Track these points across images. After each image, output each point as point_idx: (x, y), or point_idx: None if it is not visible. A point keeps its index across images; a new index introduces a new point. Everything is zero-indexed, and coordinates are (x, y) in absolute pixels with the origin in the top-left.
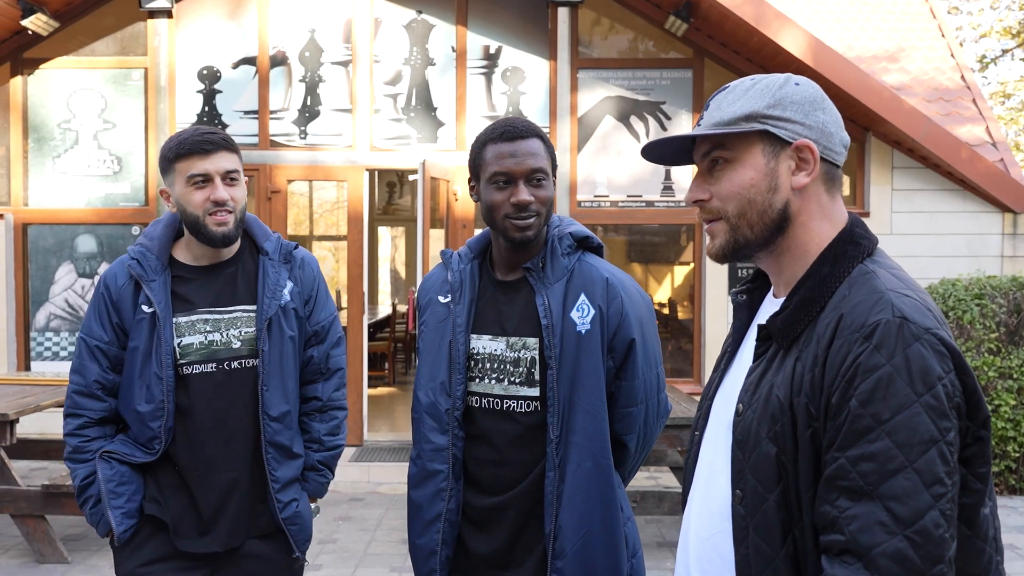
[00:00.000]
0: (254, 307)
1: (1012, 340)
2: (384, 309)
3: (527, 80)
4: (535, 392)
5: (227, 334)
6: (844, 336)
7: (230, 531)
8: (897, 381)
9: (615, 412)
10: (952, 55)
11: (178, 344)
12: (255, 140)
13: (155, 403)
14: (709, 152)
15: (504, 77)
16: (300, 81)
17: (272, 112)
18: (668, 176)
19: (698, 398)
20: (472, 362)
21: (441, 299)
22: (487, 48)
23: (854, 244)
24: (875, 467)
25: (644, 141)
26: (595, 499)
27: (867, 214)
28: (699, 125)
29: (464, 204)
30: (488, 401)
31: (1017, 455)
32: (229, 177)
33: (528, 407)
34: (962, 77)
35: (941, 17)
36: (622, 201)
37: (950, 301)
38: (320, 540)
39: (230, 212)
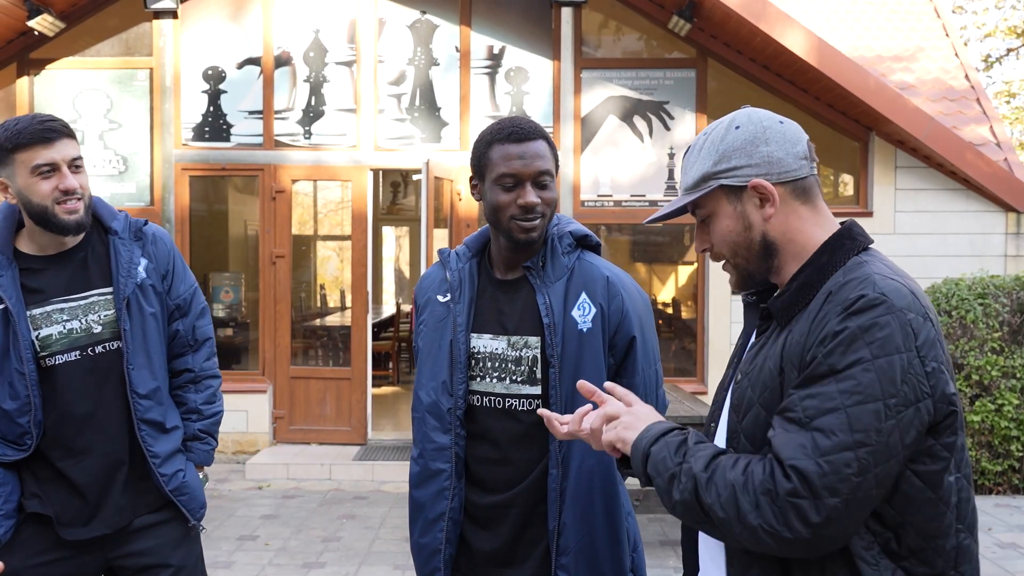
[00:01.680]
0: (110, 289)
1: (1015, 339)
2: (388, 309)
3: (530, 80)
4: (537, 390)
5: (86, 320)
6: (828, 309)
7: (116, 512)
8: (858, 342)
9: None
10: (957, 55)
11: (37, 337)
12: (259, 140)
13: (20, 399)
14: (694, 211)
15: (508, 77)
16: (304, 81)
17: (276, 112)
18: (671, 176)
19: (701, 397)
20: (473, 361)
21: (440, 298)
22: (491, 48)
23: (852, 239)
24: (816, 404)
25: (647, 141)
26: (598, 495)
27: (870, 214)
28: (679, 184)
29: (468, 204)
30: (490, 400)
31: (1021, 454)
32: (74, 164)
33: (530, 405)
34: (967, 77)
35: (946, 16)
36: (625, 201)
37: (953, 300)
38: (324, 539)
39: (80, 199)
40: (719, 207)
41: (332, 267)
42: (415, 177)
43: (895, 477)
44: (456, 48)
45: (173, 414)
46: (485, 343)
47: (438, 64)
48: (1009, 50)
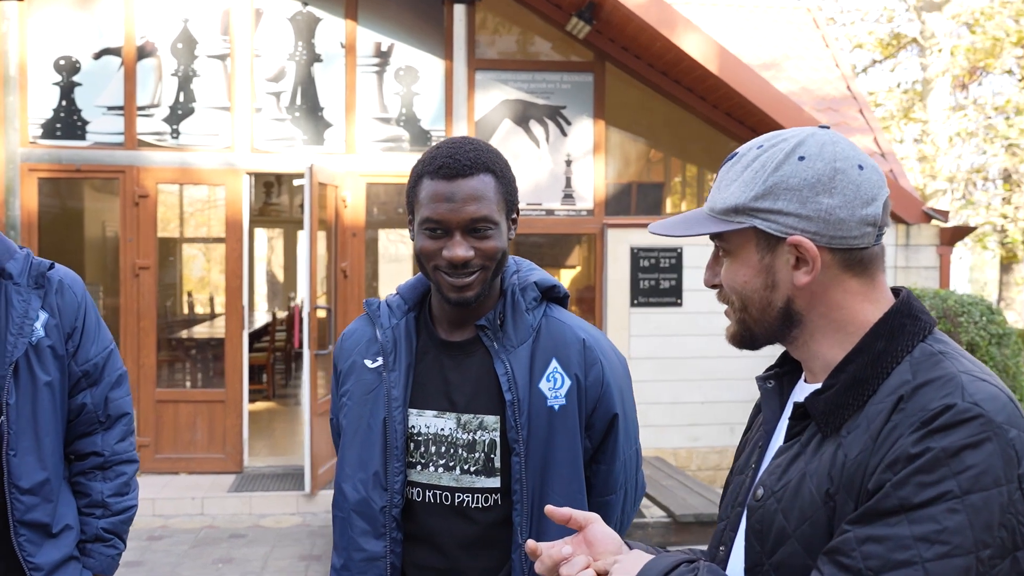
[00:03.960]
0: None
1: None
2: (260, 316)
3: (421, 80)
4: (495, 483)
5: None
6: (898, 420)
7: None
8: (942, 469)
9: (590, 501)
10: (837, 65)
11: None
12: (120, 139)
13: None
14: (713, 236)
15: (397, 76)
16: (172, 75)
17: (140, 109)
18: (568, 184)
19: None
20: (412, 444)
21: (368, 364)
22: (379, 45)
23: (912, 318)
24: (882, 551)
25: (544, 147)
26: None
27: None
28: (708, 196)
29: (354, 212)
30: (434, 494)
31: None
32: None
33: (486, 501)
34: (848, 87)
35: (824, 28)
36: (521, 210)
37: None
38: None
39: None
40: (743, 251)
41: (198, 268)
42: (296, 182)
43: None
44: (341, 44)
45: (66, 512)
46: (428, 422)
47: (321, 60)
48: (875, 61)
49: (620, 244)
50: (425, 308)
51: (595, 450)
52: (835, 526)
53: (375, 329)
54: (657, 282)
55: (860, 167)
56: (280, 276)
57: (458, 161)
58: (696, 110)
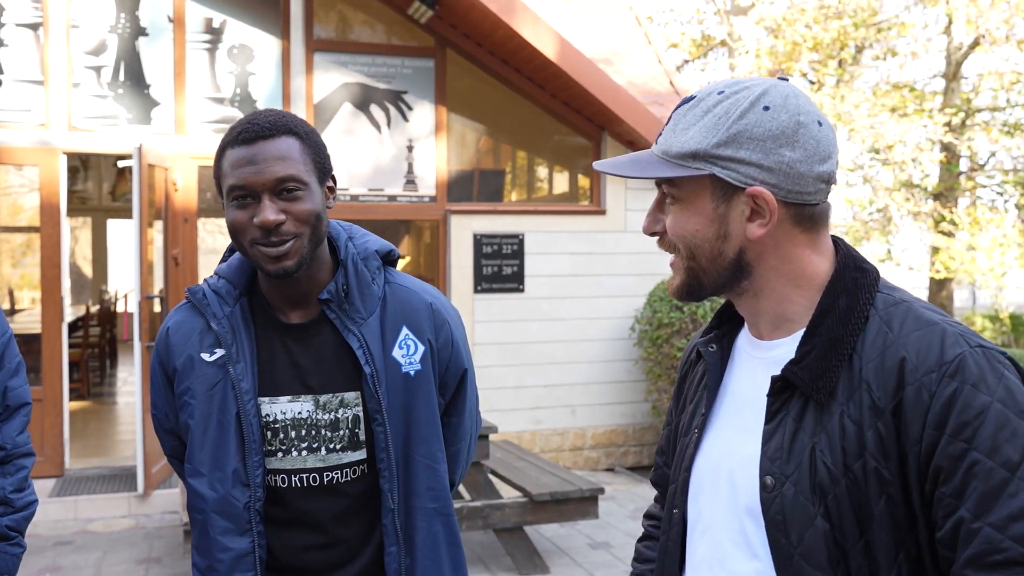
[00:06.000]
0: None
1: None
2: (68, 310)
3: (256, 60)
4: (361, 455)
5: None
6: (918, 379)
7: None
8: (1010, 415)
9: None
10: (660, 61)
11: None
12: None
13: None
14: (660, 182)
15: (231, 55)
16: None
17: None
18: (411, 170)
19: None
20: (270, 433)
21: (207, 357)
22: (210, 21)
23: (862, 271)
24: None
25: (385, 132)
26: (448, 568)
27: (603, 212)
28: (658, 139)
29: (185, 196)
30: (301, 479)
31: None
32: None
33: (354, 473)
34: (671, 83)
35: (647, 26)
36: (363, 195)
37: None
38: None
39: None
40: (697, 199)
41: (13, 267)
42: (121, 163)
43: None
44: (169, 18)
45: None
46: (283, 408)
47: (147, 34)
48: (685, 61)
49: (463, 230)
50: (258, 290)
51: (447, 405)
52: (867, 493)
53: (206, 319)
54: (500, 268)
55: (819, 123)
56: (86, 270)
57: (257, 124)
58: (535, 99)
